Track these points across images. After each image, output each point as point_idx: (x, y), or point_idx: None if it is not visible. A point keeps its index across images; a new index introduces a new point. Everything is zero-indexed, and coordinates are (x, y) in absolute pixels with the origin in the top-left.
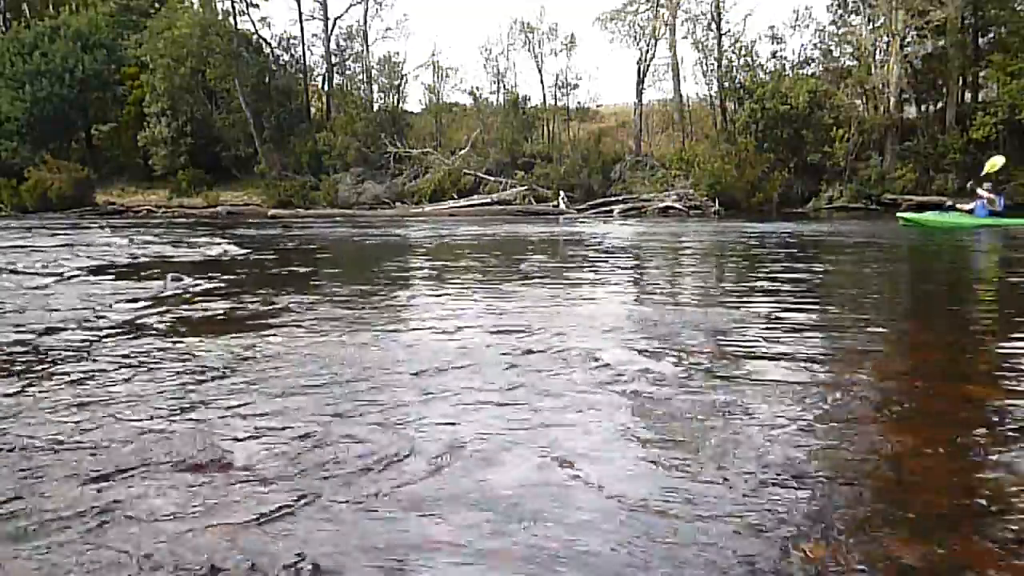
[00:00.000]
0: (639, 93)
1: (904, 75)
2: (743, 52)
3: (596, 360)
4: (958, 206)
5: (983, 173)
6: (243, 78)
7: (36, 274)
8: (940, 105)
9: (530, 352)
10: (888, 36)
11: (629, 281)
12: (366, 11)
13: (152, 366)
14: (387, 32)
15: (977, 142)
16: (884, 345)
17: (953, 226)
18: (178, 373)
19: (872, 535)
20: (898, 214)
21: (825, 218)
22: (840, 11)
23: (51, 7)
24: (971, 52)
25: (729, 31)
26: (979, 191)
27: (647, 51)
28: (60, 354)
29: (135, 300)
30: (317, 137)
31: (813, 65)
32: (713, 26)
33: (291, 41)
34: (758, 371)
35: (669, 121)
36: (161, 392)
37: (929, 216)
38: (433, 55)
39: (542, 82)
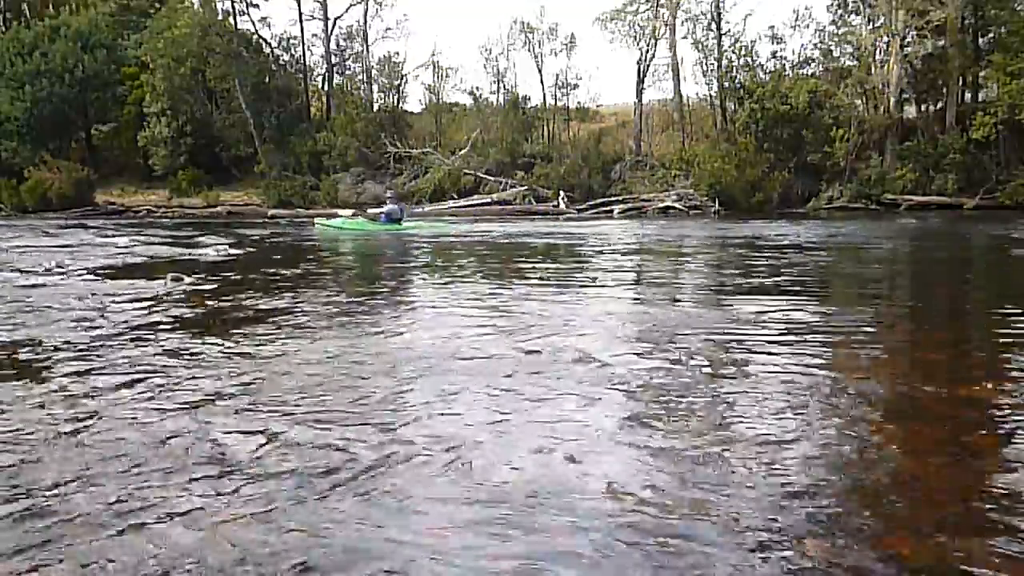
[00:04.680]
0: (639, 93)
1: (904, 75)
2: (743, 52)
3: (596, 360)
4: (368, 212)
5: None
6: (243, 78)
7: (37, 273)
8: (940, 105)
9: (530, 352)
10: (888, 36)
11: (629, 281)
12: (366, 11)
13: (152, 366)
14: (387, 32)
15: (977, 142)
16: (883, 343)
17: (360, 230)
18: (179, 373)
19: (872, 534)
20: (315, 220)
21: (824, 218)
22: (840, 11)
23: (51, 7)
24: (971, 52)
25: (729, 31)
26: (386, 200)
27: (647, 51)
28: (61, 354)
29: (135, 300)
30: (317, 137)
31: (813, 65)
32: (713, 26)
33: (291, 41)
34: (757, 370)
35: (669, 121)
36: (162, 392)
37: (338, 222)
38: (433, 55)
39: (542, 82)
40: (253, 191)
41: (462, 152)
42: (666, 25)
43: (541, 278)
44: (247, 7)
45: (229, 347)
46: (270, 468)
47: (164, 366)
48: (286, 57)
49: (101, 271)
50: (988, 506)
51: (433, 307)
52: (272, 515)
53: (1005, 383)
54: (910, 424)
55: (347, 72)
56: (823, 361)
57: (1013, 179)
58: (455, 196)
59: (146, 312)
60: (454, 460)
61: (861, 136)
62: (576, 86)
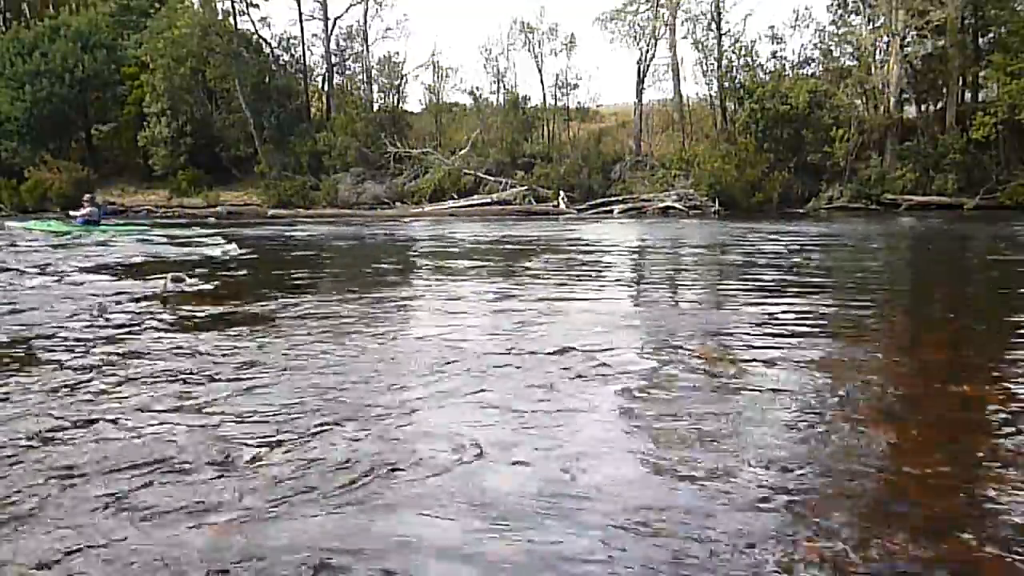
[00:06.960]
0: (639, 93)
1: (904, 75)
2: (743, 52)
3: (596, 361)
4: (70, 214)
5: (85, 200)
6: (243, 78)
7: (38, 274)
8: (940, 105)
9: (531, 353)
10: (888, 36)
11: (629, 281)
12: (366, 11)
13: (153, 366)
14: (387, 32)
15: (977, 142)
16: (882, 343)
17: (55, 231)
18: (179, 373)
19: (872, 534)
20: (5, 224)
21: (824, 218)
22: (840, 11)
23: (51, 7)
24: (971, 52)
25: (729, 31)
26: (84, 203)
27: (647, 51)
28: (62, 354)
29: (136, 300)
30: (317, 137)
31: (813, 65)
32: (713, 26)
33: (291, 41)
34: (757, 371)
35: (669, 121)
36: (162, 392)
37: (34, 223)
38: (433, 55)
39: (542, 82)
40: (253, 191)
41: (462, 152)
42: (666, 25)
43: (542, 278)
44: (247, 7)
45: (230, 347)
46: (272, 468)
47: (164, 366)
48: (286, 57)
49: (101, 271)
50: (988, 506)
51: (433, 307)
52: (274, 514)
53: (1004, 383)
54: (909, 424)
55: (347, 72)
56: (823, 361)
57: (1013, 179)
58: (455, 196)
59: (147, 312)
60: (456, 462)
61: (861, 136)
62: (576, 86)
